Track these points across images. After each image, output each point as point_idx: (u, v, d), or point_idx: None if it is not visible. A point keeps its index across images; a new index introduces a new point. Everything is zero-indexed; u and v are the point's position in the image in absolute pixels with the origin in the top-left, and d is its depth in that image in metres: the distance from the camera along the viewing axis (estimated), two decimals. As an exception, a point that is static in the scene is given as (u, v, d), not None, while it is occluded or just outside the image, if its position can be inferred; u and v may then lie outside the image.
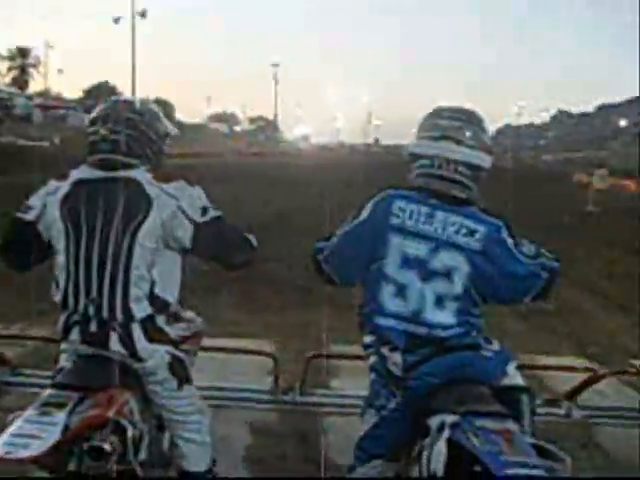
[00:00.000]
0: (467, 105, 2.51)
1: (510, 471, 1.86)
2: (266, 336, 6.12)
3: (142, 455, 2.63)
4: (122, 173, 2.55)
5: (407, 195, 2.44)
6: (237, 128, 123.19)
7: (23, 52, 59.78)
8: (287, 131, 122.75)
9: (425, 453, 2.17)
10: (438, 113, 2.49)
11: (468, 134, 2.41)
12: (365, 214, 2.50)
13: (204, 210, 2.58)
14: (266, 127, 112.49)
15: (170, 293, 2.64)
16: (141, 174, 2.56)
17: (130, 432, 2.44)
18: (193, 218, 2.54)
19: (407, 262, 2.40)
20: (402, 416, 2.46)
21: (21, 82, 58.87)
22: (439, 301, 2.39)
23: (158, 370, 2.64)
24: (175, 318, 2.84)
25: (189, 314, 3.05)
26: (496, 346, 2.61)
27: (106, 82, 72.24)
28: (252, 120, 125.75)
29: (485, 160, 2.47)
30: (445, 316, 2.39)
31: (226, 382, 4.93)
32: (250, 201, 16.29)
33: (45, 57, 61.69)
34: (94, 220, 2.51)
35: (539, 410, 4.73)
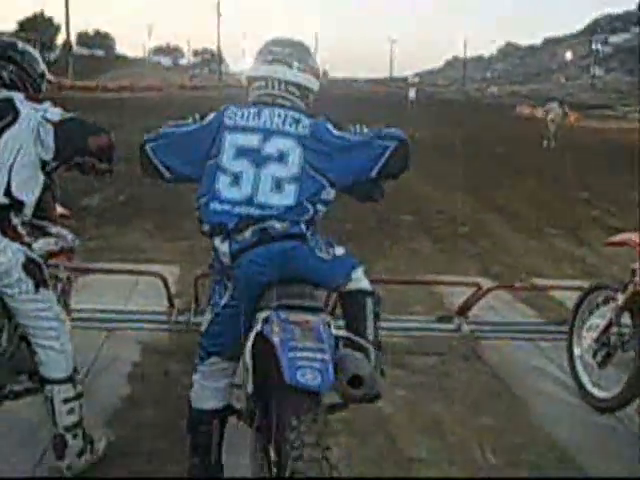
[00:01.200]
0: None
1: (292, 354, 1.97)
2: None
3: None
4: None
5: (241, 105, 2.64)
6: (183, 61, 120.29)
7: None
8: (233, 64, 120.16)
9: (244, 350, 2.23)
10: (272, 42, 2.76)
11: (297, 59, 2.68)
12: (207, 120, 2.63)
13: (63, 115, 2.82)
14: (211, 60, 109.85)
15: (27, 195, 2.72)
16: (15, 95, 2.82)
17: None
18: (52, 120, 2.76)
19: (240, 153, 2.50)
20: (234, 312, 2.46)
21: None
22: (277, 184, 2.45)
23: (12, 270, 2.62)
24: (43, 233, 2.94)
25: (58, 229, 3.07)
26: (340, 251, 2.63)
27: (42, 14, 69.24)
28: (196, 53, 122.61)
29: (312, 82, 2.71)
30: (281, 198, 2.44)
31: (123, 305, 4.96)
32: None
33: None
34: None
35: (432, 325, 4.97)
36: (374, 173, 2.57)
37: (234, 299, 2.49)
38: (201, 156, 2.56)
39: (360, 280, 2.64)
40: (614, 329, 3.55)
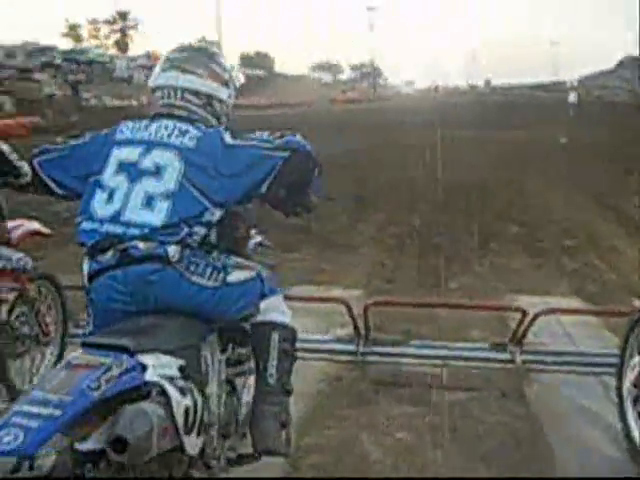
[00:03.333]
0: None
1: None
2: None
3: None
4: None
5: (137, 119, 2.41)
6: (342, 77, 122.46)
7: (122, 15, 61.41)
8: (391, 77, 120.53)
9: None
10: (173, 49, 2.54)
11: (195, 64, 2.43)
12: (98, 134, 2.43)
13: None
14: (369, 74, 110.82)
15: None
16: None
17: None
18: None
19: (121, 167, 2.25)
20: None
21: (122, 45, 60.68)
22: (148, 201, 2.17)
23: None
24: None
25: (1, 249, 3.09)
26: (243, 275, 2.27)
27: (204, 38, 73.36)
28: (354, 67, 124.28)
29: (214, 89, 2.45)
30: (150, 216, 2.14)
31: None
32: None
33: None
34: None
35: (482, 354, 4.34)
36: (264, 189, 2.25)
37: (95, 326, 2.19)
38: (89, 171, 2.31)
39: (268, 311, 2.31)
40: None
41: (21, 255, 3.11)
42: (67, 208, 9.11)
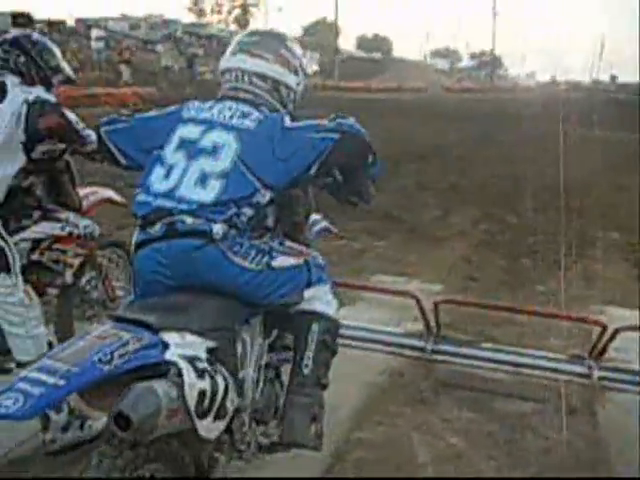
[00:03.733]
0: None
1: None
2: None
3: None
4: None
5: (204, 100, 2.45)
6: (460, 65, 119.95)
7: (245, -9, 62.46)
8: (511, 67, 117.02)
9: None
10: (243, 33, 2.58)
11: (264, 48, 2.44)
12: (167, 110, 2.46)
13: (38, 97, 2.82)
14: (488, 63, 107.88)
15: None
16: (9, 78, 2.89)
17: None
18: (28, 101, 2.78)
19: (181, 145, 2.29)
20: None
21: (242, 21, 61.75)
22: (202, 179, 2.18)
23: None
24: (52, 217, 3.10)
25: (68, 215, 3.16)
26: (289, 262, 2.21)
27: (324, 19, 73.58)
28: (474, 56, 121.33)
29: (281, 73, 2.44)
30: (202, 193, 2.16)
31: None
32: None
33: (265, -4, 64.08)
34: None
35: (558, 365, 4.09)
36: (313, 170, 2.21)
37: (136, 297, 2.22)
38: (153, 145, 2.34)
39: (312, 300, 2.26)
40: None
41: (88, 222, 3.20)
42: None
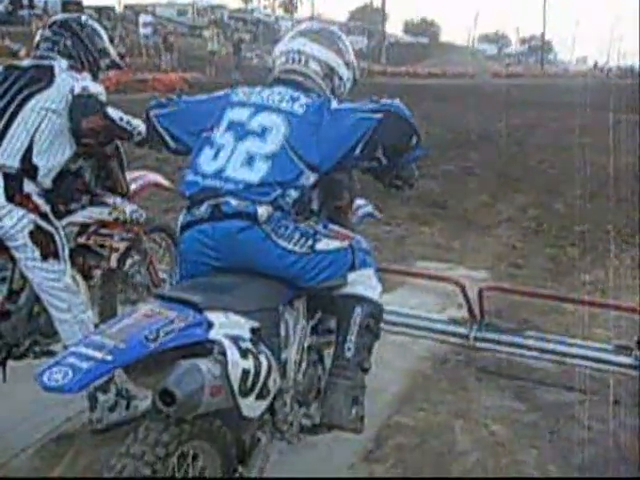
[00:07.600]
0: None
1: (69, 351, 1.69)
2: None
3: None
4: (45, 62, 2.92)
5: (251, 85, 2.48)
6: (509, 50, 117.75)
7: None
8: (562, 53, 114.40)
9: None
10: (305, 23, 2.72)
11: (323, 36, 2.51)
12: (217, 94, 2.49)
13: (83, 90, 2.84)
14: (538, 48, 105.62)
15: (45, 161, 2.78)
16: (58, 62, 2.91)
17: None
18: (74, 92, 2.81)
19: (229, 127, 2.32)
20: None
21: (289, 6, 61.74)
22: (249, 160, 2.22)
23: (17, 234, 2.69)
24: (99, 202, 3.12)
25: (115, 200, 3.19)
26: (334, 244, 2.22)
27: (371, 3, 72.92)
28: (524, 41, 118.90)
29: (337, 63, 2.49)
30: (249, 174, 2.19)
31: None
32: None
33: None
34: (6, 91, 2.85)
35: (604, 355, 4.02)
36: (358, 151, 2.21)
37: (182, 277, 2.26)
38: (202, 128, 2.37)
39: (356, 284, 2.27)
40: None
41: (135, 207, 3.22)
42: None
